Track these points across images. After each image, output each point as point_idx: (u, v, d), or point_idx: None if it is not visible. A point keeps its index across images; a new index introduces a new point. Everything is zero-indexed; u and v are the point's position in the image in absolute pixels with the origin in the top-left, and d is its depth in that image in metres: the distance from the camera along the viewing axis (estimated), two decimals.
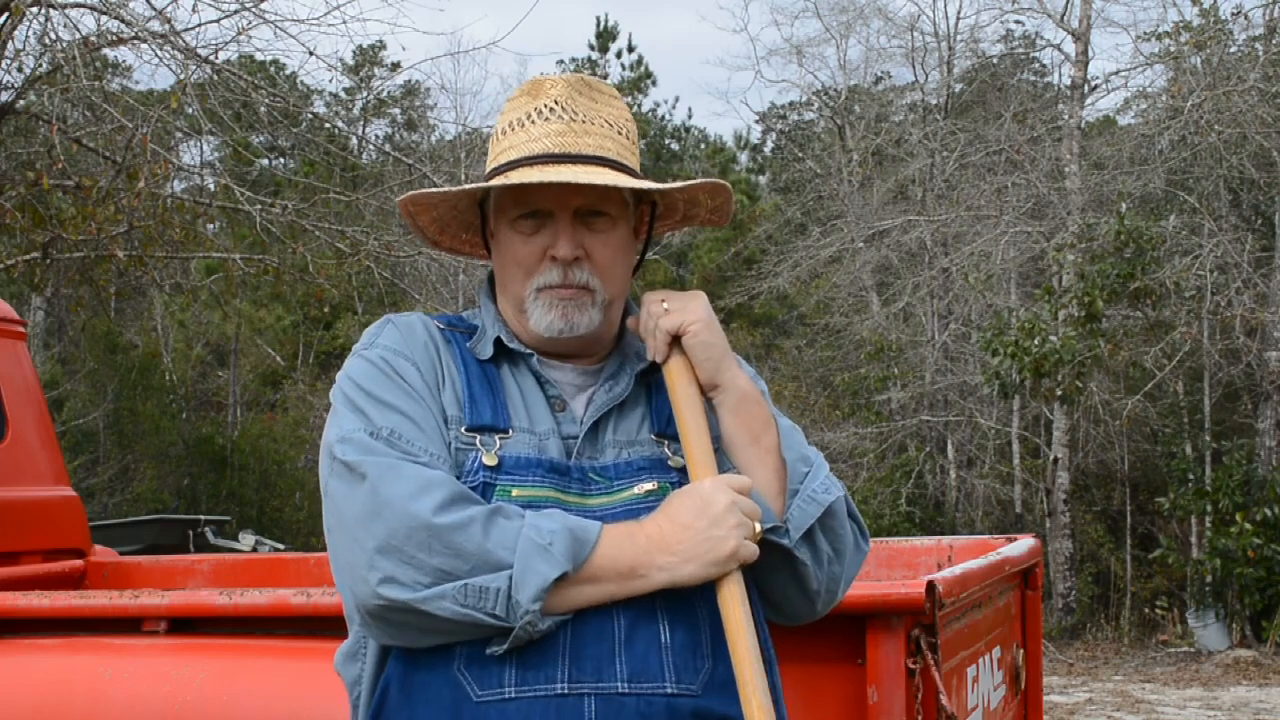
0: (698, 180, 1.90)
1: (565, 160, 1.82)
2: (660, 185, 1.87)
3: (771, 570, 1.81)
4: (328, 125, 18.23)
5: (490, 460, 1.77)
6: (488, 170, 1.90)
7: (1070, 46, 16.11)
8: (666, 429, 1.88)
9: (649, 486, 1.82)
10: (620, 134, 1.88)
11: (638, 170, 1.90)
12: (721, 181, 1.92)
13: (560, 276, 1.83)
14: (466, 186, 1.87)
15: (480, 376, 1.86)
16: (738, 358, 1.97)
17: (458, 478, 1.76)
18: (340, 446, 1.75)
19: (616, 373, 1.91)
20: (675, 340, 1.85)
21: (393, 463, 1.70)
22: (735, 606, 1.71)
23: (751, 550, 1.73)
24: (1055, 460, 15.04)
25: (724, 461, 1.85)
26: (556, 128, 1.85)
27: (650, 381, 1.92)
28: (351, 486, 1.71)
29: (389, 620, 1.69)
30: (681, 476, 1.84)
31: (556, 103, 1.86)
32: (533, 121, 1.86)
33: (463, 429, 1.80)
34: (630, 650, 1.73)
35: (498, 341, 1.89)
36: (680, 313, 1.84)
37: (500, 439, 1.80)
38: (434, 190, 1.91)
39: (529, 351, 1.88)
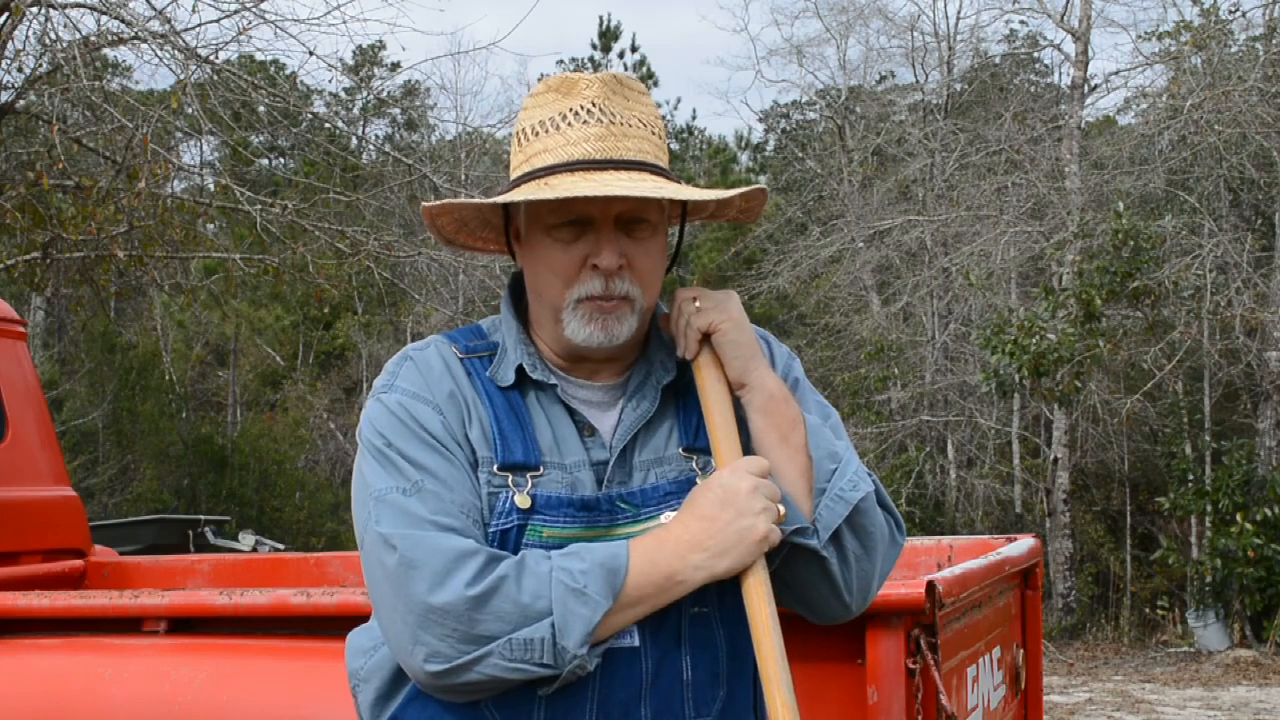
0: (746, 188, 1.87)
1: (608, 166, 1.77)
2: (710, 194, 1.83)
3: (802, 570, 1.79)
4: (328, 125, 18.21)
5: (523, 502, 1.75)
6: (518, 173, 1.83)
7: (1070, 46, 16.13)
8: (695, 442, 1.86)
9: (674, 515, 1.79)
10: (654, 134, 1.83)
11: (670, 170, 1.86)
12: (762, 186, 1.89)
13: (602, 287, 1.78)
14: (509, 197, 1.78)
15: (506, 408, 1.82)
16: (770, 336, 1.98)
17: (489, 523, 1.75)
18: (376, 508, 1.72)
19: (641, 386, 1.87)
20: (705, 338, 1.84)
21: (423, 537, 1.68)
22: (760, 599, 1.70)
23: (777, 533, 1.71)
24: (1055, 460, 15.05)
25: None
26: (596, 131, 1.78)
27: (676, 393, 1.89)
28: (386, 554, 1.69)
29: (439, 687, 1.69)
30: None
31: (594, 104, 1.79)
32: (569, 124, 1.79)
33: (494, 468, 1.77)
34: (655, 691, 1.75)
35: (519, 369, 1.84)
36: (711, 311, 1.83)
37: (532, 477, 1.77)
38: (468, 201, 1.86)
39: (553, 383, 1.84)
